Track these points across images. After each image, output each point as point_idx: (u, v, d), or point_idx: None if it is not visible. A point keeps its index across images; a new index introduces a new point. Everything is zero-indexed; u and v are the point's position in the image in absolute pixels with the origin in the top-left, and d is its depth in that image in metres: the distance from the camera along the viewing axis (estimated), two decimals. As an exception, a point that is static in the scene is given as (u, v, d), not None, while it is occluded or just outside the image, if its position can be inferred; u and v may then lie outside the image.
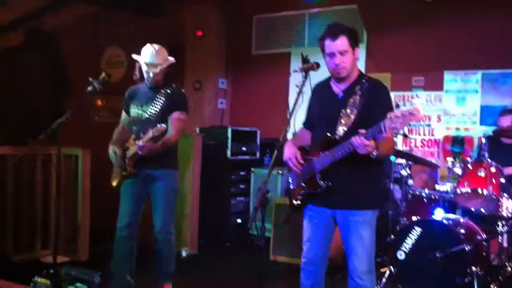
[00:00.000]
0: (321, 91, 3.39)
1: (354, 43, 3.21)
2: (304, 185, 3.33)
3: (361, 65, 6.70)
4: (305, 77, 3.28)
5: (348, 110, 3.19)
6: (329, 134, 3.21)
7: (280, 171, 6.50)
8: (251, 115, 7.51)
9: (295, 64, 7.25)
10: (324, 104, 3.34)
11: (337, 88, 3.30)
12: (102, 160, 4.64)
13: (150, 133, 3.95)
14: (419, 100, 6.40)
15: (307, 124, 3.52)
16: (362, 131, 2.95)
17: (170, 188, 4.39)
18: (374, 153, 3.00)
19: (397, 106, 2.95)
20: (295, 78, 7.30)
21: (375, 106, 3.15)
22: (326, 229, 3.37)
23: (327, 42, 3.20)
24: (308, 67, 3.24)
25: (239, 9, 7.64)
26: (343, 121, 3.20)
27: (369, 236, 3.25)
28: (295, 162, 3.30)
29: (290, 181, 3.48)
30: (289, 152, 3.33)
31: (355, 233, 3.23)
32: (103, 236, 4.98)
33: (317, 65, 3.22)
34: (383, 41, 6.63)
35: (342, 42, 3.16)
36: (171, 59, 4.35)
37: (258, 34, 7.59)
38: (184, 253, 5.98)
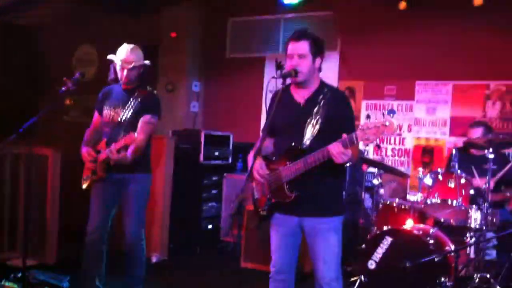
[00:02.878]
0: (282, 98, 3.32)
1: (316, 51, 3.24)
2: (271, 195, 3.32)
3: (335, 72, 6.77)
4: (283, 83, 3.27)
5: (313, 119, 3.21)
6: (294, 144, 3.22)
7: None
8: (225, 119, 7.49)
9: (270, 69, 7.26)
10: (287, 112, 3.31)
11: (299, 96, 3.31)
12: (72, 160, 4.57)
13: (122, 142, 3.92)
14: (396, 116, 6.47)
15: (268, 132, 3.43)
16: (344, 136, 2.97)
17: (142, 192, 4.34)
18: (350, 162, 3.04)
19: (368, 117, 2.98)
20: (269, 83, 7.39)
21: (338, 116, 3.21)
22: (294, 237, 3.38)
23: (290, 45, 3.25)
24: (286, 74, 3.23)
25: (214, 11, 7.63)
26: (308, 130, 3.22)
27: (337, 243, 3.28)
28: (260, 172, 3.29)
29: (254, 191, 3.45)
30: (253, 162, 3.33)
31: (324, 240, 3.25)
32: (73, 239, 4.90)
33: (295, 72, 3.22)
34: (357, 49, 6.69)
35: (302, 46, 3.20)
36: (147, 62, 4.31)
37: (233, 37, 7.58)
38: (154, 259, 5.91)
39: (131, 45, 4.25)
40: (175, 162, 6.28)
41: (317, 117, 3.21)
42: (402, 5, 6.14)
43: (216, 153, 6.85)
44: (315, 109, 3.23)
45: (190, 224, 6.58)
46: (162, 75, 7.57)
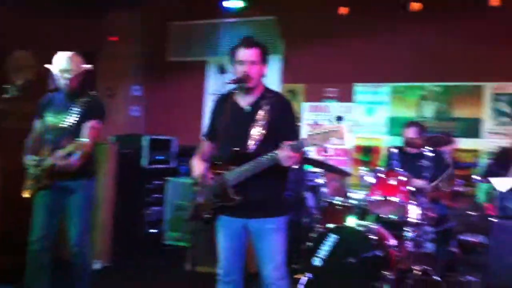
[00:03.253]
0: (225, 103, 3.38)
1: (264, 58, 3.32)
2: (215, 198, 3.34)
3: (277, 75, 6.86)
4: (236, 88, 3.30)
5: (257, 124, 3.26)
6: (239, 149, 3.25)
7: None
8: (167, 123, 7.45)
9: (211, 72, 7.29)
10: (231, 118, 3.34)
11: (243, 101, 3.35)
12: (11, 168, 4.43)
13: (68, 148, 3.85)
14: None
15: (211, 137, 3.48)
16: (291, 142, 3.03)
17: (87, 199, 4.26)
18: (296, 165, 3.11)
19: (340, 118, 3.07)
20: (211, 87, 7.45)
21: (282, 120, 3.27)
22: (240, 239, 3.40)
23: (240, 51, 3.28)
24: (240, 79, 3.26)
25: (155, 15, 7.57)
26: (253, 135, 3.25)
27: (283, 242, 3.33)
28: (204, 177, 3.32)
29: (198, 195, 3.45)
30: (197, 166, 3.34)
31: (269, 241, 3.29)
32: (14, 250, 4.73)
33: (248, 77, 3.26)
34: (298, 52, 6.81)
35: (254, 53, 3.26)
36: (87, 66, 4.24)
37: (174, 41, 7.56)
38: (97, 265, 5.79)
39: (69, 53, 4.16)
40: (118, 167, 6.19)
41: (261, 122, 3.25)
42: (343, 10, 6.31)
43: (159, 157, 6.80)
44: (259, 114, 3.27)
45: (134, 229, 6.50)
46: (101, 80, 7.45)
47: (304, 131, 3.07)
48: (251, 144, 3.25)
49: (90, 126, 4.12)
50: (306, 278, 4.75)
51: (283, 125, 3.25)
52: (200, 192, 3.40)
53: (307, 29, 6.74)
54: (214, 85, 7.42)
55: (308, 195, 5.81)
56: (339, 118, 3.08)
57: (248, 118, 3.29)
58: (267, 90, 3.40)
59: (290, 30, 6.83)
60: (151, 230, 6.74)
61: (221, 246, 3.40)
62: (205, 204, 3.36)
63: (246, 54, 3.26)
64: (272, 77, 6.68)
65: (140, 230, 6.57)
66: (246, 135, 3.26)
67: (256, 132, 3.25)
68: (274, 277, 3.28)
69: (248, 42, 3.31)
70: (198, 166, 3.35)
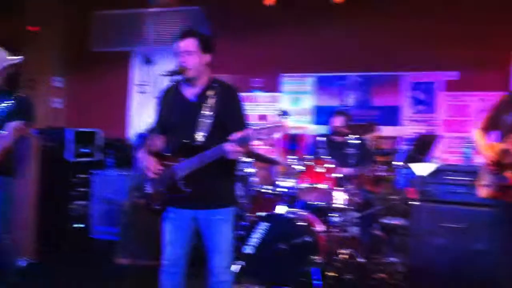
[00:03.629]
0: (171, 95, 3.38)
1: (204, 47, 3.31)
2: (165, 190, 3.35)
3: (203, 66, 6.86)
4: (172, 80, 3.29)
5: (204, 115, 3.27)
6: (188, 140, 3.26)
7: (123, 173, 6.40)
8: (92, 115, 7.28)
9: (136, 63, 7.18)
10: (178, 109, 3.36)
11: (189, 93, 3.35)
12: None
13: None
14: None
15: (158, 129, 3.47)
16: (238, 135, 3.07)
17: (7, 197, 4.13)
18: (242, 158, 3.15)
19: (284, 113, 3.10)
20: (136, 78, 7.35)
21: (230, 111, 3.28)
22: (188, 230, 3.43)
23: (177, 42, 3.29)
24: (174, 71, 3.26)
25: (78, 5, 7.35)
26: (200, 126, 3.27)
27: (230, 233, 3.39)
28: (153, 169, 3.32)
29: (146, 186, 3.45)
30: (145, 158, 3.33)
31: (219, 231, 3.34)
32: None
33: (184, 69, 3.25)
34: (225, 42, 6.81)
35: (188, 43, 3.25)
36: (16, 59, 4.08)
37: (98, 31, 7.37)
38: (23, 262, 5.61)
39: None
40: (41, 161, 6.00)
41: (209, 113, 3.26)
42: (269, 1, 6.39)
43: (84, 150, 6.65)
44: (206, 105, 3.27)
45: (60, 224, 6.33)
46: (23, 72, 7.16)
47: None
48: (200, 135, 3.26)
49: (13, 127, 4.00)
50: (238, 266, 4.84)
51: (232, 115, 3.25)
52: (149, 183, 3.40)
53: (234, 19, 6.78)
54: (139, 76, 7.33)
55: (237, 185, 5.89)
56: (284, 113, 3.14)
57: (195, 109, 3.28)
58: (213, 80, 3.40)
59: (217, 20, 6.83)
60: (78, 225, 6.59)
61: (168, 238, 3.41)
62: (155, 196, 3.36)
63: (181, 45, 3.26)
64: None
65: (67, 225, 6.41)
66: (194, 127, 3.26)
67: (204, 123, 3.25)
68: (222, 266, 3.34)
69: (183, 33, 3.30)
70: (146, 158, 3.33)
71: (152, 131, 3.50)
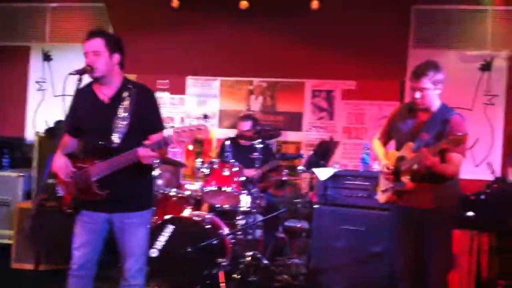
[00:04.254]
0: (85, 96, 3.29)
1: (112, 47, 3.26)
2: (78, 193, 3.27)
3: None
4: (79, 80, 3.20)
5: (120, 117, 3.21)
6: (103, 143, 3.20)
7: (21, 174, 6.11)
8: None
9: (36, 59, 6.91)
10: (92, 111, 3.28)
11: (102, 94, 3.29)
12: None
13: None
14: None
15: (72, 131, 3.38)
16: (155, 138, 3.07)
17: None
18: (158, 162, 3.14)
19: (206, 117, 3.08)
20: (34, 75, 7.04)
21: (146, 113, 3.26)
22: (101, 234, 3.37)
23: (85, 42, 3.23)
24: (81, 70, 3.18)
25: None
26: (116, 128, 3.21)
27: (145, 236, 3.38)
28: (65, 171, 3.23)
29: (58, 189, 3.35)
30: (58, 161, 3.23)
31: (133, 234, 3.31)
32: None
33: (91, 69, 3.18)
34: (129, 41, 6.69)
35: (95, 43, 3.20)
36: None
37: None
38: None
39: None
40: None
41: (124, 115, 3.20)
42: (175, 3, 6.37)
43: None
44: (121, 107, 3.22)
45: None
46: None
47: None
48: (116, 137, 3.20)
49: None
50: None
51: (148, 117, 3.24)
52: (61, 186, 3.29)
53: (139, 19, 6.68)
54: (39, 72, 7.03)
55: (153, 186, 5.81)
56: (205, 116, 3.16)
57: (110, 111, 3.22)
58: (127, 81, 3.35)
59: (120, 19, 6.72)
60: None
61: (79, 241, 3.32)
62: (67, 199, 3.26)
63: (88, 45, 3.20)
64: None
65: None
66: (110, 128, 3.20)
67: (120, 125, 3.20)
68: (133, 269, 3.30)
69: (89, 33, 3.24)
70: (59, 160, 3.21)
71: (64, 132, 3.41)
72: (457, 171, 3.48)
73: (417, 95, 3.52)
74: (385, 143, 3.88)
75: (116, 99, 3.26)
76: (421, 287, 3.59)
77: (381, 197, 3.77)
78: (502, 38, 6.10)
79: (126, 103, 3.23)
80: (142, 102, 3.27)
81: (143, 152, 3.05)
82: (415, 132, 3.57)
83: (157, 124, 3.27)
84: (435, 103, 3.58)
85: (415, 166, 3.41)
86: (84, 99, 3.26)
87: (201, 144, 6.71)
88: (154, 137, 3.11)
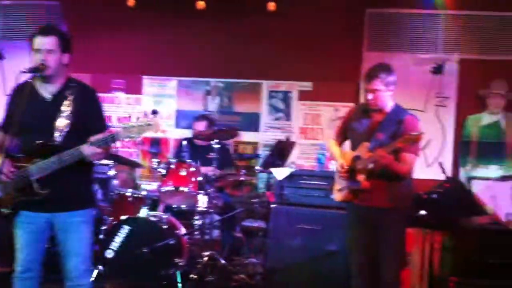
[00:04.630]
0: (25, 93, 3.19)
1: (64, 47, 3.24)
2: (17, 193, 3.19)
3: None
4: (32, 78, 3.15)
5: (62, 115, 3.18)
6: (43, 141, 3.14)
7: None
8: None
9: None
10: (33, 108, 3.20)
11: (46, 92, 3.25)
12: None
13: None
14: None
15: (8, 128, 3.26)
16: (101, 135, 3.03)
17: None
18: (103, 159, 3.15)
19: (155, 112, 3.03)
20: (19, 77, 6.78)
21: (88, 112, 3.25)
22: (43, 234, 3.30)
23: (37, 39, 3.18)
24: (35, 68, 3.12)
25: None
26: (58, 126, 3.17)
27: (89, 235, 3.33)
28: (4, 171, 3.14)
29: None
30: None
31: (77, 234, 3.26)
32: None
33: (44, 67, 3.13)
34: (84, 40, 6.61)
35: (50, 41, 3.17)
36: None
37: None
38: None
39: None
40: None
41: (67, 113, 3.17)
42: (130, 1, 6.31)
43: None
44: (64, 105, 3.19)
45: None
46: None
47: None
48: (57, 136, 3.15)
49: None
50: (96, 271, 4.73)
51: (90, 116, 3.22)
52: None
53: (94, 17, 6.62)
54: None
55: (96, 188, 5.73)
56: (154, 112, 3.13)
57: (52, 109, 3.18)
58: (70, 79, 3.32)
59: (75, 17, 6.61)
60: None
61: (21, 242, 3.24)
62: (5, 199, 3.18)
63: (42, 42, 3.15)
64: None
65: None
66: (51, 127, 3.15)
67: (62, 123, 3.16)
68: (80, 269, 3.25)
69: (44, 30, 3.20)
70: None
71: (1, 131, 3.33)
72: (411, 170, 3.59)
73: (370, 96, 3.61)
74: (340, 144, 3.95)
75: (59, 97, 3.22)
76: (375, 284, 3.67)
77: (337, 196, 3.84)
78: (453, 41, 6.28)
79: (68, 101, 3.20)
80: (85, 101, 3.25)
81: (88, 150, 3.03)
82: (370, 132, 3.66)
83: (99, 123, 3.26)
84: (389, 104, 3.67)
85: (370, 166, 3.50)
86: (23, 95, 3.16)
87: (158, 144, 6.66)
88: (101, 135, 3.08)
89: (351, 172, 3.65)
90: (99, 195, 5.68)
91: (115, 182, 5.46)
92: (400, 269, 3.72)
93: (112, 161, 5.38)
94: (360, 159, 3.59)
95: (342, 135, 3.94)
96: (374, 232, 3.63)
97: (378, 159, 3.40)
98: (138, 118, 3.05)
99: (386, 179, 3.51)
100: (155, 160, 5.15)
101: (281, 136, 6.35)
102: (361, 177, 3.55)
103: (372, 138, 3.61)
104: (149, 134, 3.02)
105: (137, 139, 3.06)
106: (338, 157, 3.82)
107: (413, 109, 6.10)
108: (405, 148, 3.42)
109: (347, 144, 3.93)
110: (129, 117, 6.06)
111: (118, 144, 5.85)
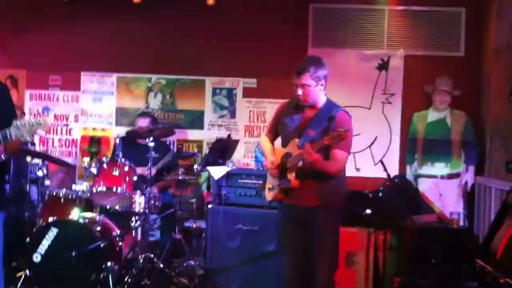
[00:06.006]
0: None
1: None
2: None
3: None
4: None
5: None
6: None
7: None
8: None
9: None
10: None
11: None
12: None
13: None
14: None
15: None
16: None
17: None
18: (2, 157, 2.96)
19: (46, 110, 2.87)
20: None
21: None
22: None
23: None
24: None
25: None
26: None
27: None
28: None
29: None
30: None
31: None
32: None
33: None
34: (19, 36, 6.39)
35: None
36: None
37: None
38: None
39: None
40: None
41: None
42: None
43: None
44: None
45: None
46: None
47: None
48: None
49: None
50: (23, 275, 4.49)
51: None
52: None
53: (29, 12, 6.39)
54: None
55: (32, 188, 5.49)
56: (46, 109, 2.97)
57: None
58: None
59: (9, 12, 6.37)
60: None
61: None
62: None
63: None
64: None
65: None
66: None
67: None
68: None
69: None
70: None
71: None
72: (341, 168, 3.45)
73: (299, 91, 3.47)
74: (272, 140, 3.79)
75: None
76: (308, 287, 3.53)
77: (268, 195, 3.68)
78: (398, 37, 6.23)
79: None
80: None
81: None
82: (301, 129, 3.51)
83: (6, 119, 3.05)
84: (321, 100, 3.53)
85: (300, 163, 3.35)
86: None
87: (97, 143, 6.42)
88: None
89: (281, 170, 3.49)
90: (35, 195, 5.44)
91: (48, 182, 5.22)
92: (333, 269, 3.57)
93: (43, 160, 5.14)
94: (291, 156, 3.44)
95: (274, 130, 3.77)
96: (305, 232, 3.48)
97: (305, 157, 3.25)
98: (29, 117, 2.89)
99: (316, 177, 3.37)
100: (86, 159, 4.93)
101: (226, 134, 6.16)
102: (291, 176, 3.40)
103: (302, 134, 3.46)
104: (40, 133, 2.85)
105: (27, 139, 2.88)
106: (269, 154, 3.66)
107: (359, 107, 6.14)
108: (334, 146, 3.27)
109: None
110: (23, 114, 5.83)
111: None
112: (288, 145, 3.52)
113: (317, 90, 3.47)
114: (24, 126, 2.80)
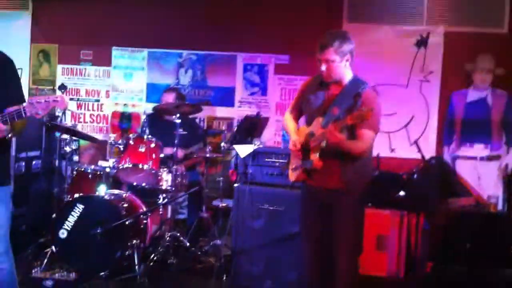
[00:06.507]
0: None
1: None
2: None
3: (27, 34, 6.35)
4: None
5: None
6: None
7: None
8: None
9: None
10: None
11: None
12: None
13: None
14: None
15: None
16: (9, 110, 2.84)
17: None
18: (9, 135, 2.94)
19: (63, 87, 2.83)
20: None
21: (3, 82, 3.03)
22: None
23: None
24: None
25: None
26: None
27: (5, 214, 3.10)
28: None
29: None
30: None
31: None
32: None
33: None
34: (50, 10, 6.39)
35: None
36: None
37: None
38: None
39: None
40: None
41: None
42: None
43: None
44: None
45: None
46: None
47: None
48: None
49: None
50: (49, 251, 4.50)
51: (6, 86, 3.00)
52: None
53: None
54: None
55: (63, 164, 5.50)
56: (63, 87, 2.92)
57: None
58: None
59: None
60: None
61: None
62: None
63: None
64: (21, 35, 6.22)
65: None
66: None
67: None
68: None
69: None
70: None
71: None
72: (366, 149, 3.27)
73: (323, 67, 3.29)
74: (296, 118, 3.63)
75: None
76: (329, 273, 3.39)
77: (291, 175, 3.55)
78: (438, 13, 5.94)
79: None
80: (1, 71, 3.04)
81: None
82: (325, 106, 3.34)
83: (15, 95, 3.04)
84: (346, 76, 3.35)
85: (323, 144, 3.20)
86: None
87: (128, 119, 6.40)
88: (10, 109, 2.86)
89: (305, 150, 3.35)
90: (64, 171, 5.45)
91: (76, 158, 5.23)
92: (355, 255, 3.42)
93: (71, 136, 5.14)
94: (314, 136, 3.29)
95: (298, 108, 3.61)
96: (327, 215, 3.34)
97: (328, 137, 3.09)
98: (46, 94, 2.83)
99: (339, 158, 3.21)
100: (112, 135, 4.89)
101: (256, 111, 6.02)
102: (314, 156, 3.25)
103: (327, 112, 3.28)
104: (57, 111, 2.82)
105: (43, 116, 2.84)
106: (292, 133, 3.50)
107: (395, 85, 5.91)
108: (359, 125, 3.10)
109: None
110: (63, 87, 5.80)
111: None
112: (312, 124, 3.36)
113: (342, 66, 3.29)
114: (39, 103, 2.76)
